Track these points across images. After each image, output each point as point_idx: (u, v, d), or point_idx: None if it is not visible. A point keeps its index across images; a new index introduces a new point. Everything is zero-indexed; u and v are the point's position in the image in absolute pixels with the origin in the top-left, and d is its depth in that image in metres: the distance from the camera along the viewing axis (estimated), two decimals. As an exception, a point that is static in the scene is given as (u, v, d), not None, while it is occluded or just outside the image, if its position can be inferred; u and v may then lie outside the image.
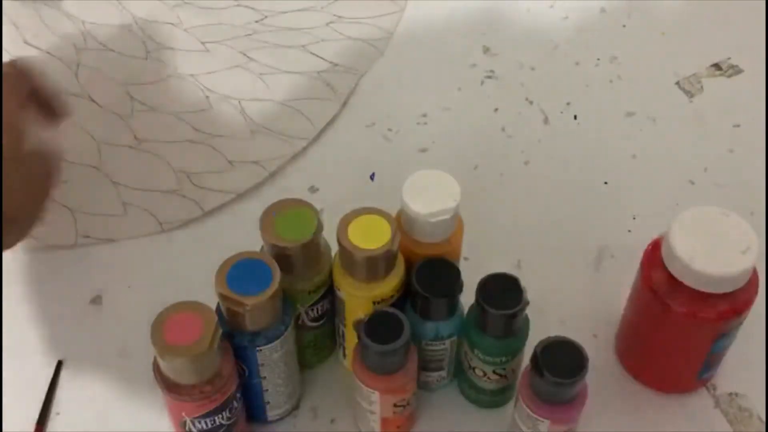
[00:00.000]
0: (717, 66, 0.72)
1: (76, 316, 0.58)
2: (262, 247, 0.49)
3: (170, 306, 0.45)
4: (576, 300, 0.58)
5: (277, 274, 0.46)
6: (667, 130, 0.68)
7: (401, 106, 0.70)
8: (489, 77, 0.72)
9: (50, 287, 0.59)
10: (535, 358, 0.45)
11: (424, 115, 0.69)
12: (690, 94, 0.70)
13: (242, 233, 0.59)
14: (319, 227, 0.48)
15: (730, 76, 0.72)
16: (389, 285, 0.48)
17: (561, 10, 0.77)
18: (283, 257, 0.47)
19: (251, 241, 0.51)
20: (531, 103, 0.70)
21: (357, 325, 0.47)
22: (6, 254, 0.60)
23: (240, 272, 0.46)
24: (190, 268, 0.60)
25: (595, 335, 0.56)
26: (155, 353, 0.44)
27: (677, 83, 0.71)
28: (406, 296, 0.50)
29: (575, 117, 0.69)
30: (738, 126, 0.68)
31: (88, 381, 0.55)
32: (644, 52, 0.74)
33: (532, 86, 0.71)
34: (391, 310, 0.47)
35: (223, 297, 0.46)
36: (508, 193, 0.64)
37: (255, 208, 0.63)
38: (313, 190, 0.65)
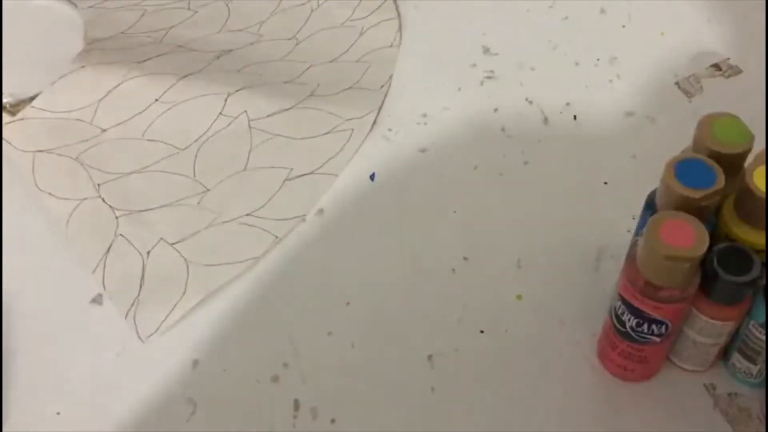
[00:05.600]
0: (716, 66, 0.72)
1: (76, 316, 0.58)
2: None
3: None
4: (576, 300, 0.58)
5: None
6: (666, 130, 0.68)
7: (401, 106, 0.70)
8: (489, 77, 0.72)
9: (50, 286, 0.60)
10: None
11: (424, 115, 0.69)
12: (689, 95, 0.70)
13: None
14: (752, 136, 0.49)
15: (729, 76, 0.72)
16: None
17: (561, 10, 0.77)
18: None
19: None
20: (531, 103, 0.70)
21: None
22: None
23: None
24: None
25: (595, 335, 0.56)
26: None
27: (677, 83, 0.71)
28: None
29: (575, 117, 0.69)
30: (738, 126, 0.68)
31: (87, 381, 0.55)
32: (644, 52, 0.74)
33: (532, 86, 0.71)
34: (742, 245, 0.47)
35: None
36: (508, 193, 0.64)
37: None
38: (313, 190, 0.64)
